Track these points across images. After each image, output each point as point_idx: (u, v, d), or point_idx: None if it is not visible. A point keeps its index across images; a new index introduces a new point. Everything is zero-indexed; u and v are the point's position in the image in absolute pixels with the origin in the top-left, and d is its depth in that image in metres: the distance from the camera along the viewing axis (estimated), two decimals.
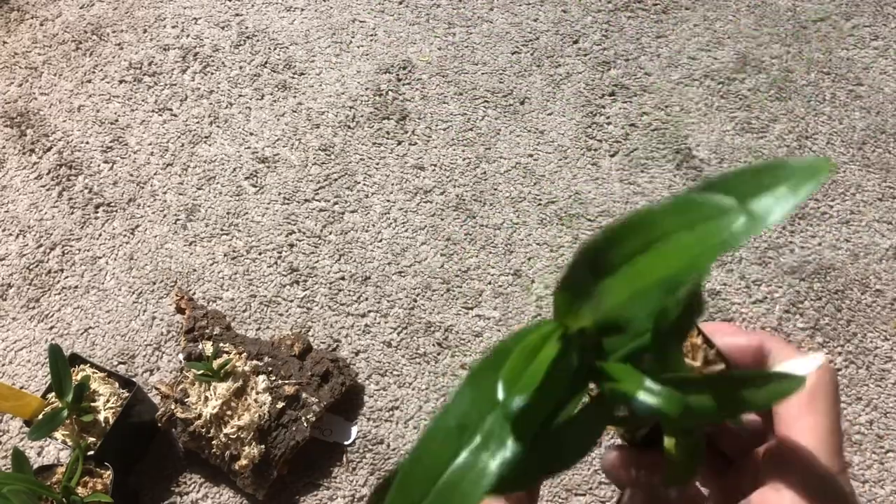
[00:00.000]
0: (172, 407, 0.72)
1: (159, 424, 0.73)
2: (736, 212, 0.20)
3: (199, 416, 0.72)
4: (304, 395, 0.74)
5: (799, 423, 0.24)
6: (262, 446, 0.71)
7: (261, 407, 0.72)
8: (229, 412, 0.71)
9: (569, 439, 0.24)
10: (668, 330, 0.24)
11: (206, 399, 0.72)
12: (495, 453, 0.22)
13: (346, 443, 0.77)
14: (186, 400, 0.72)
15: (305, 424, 0.72)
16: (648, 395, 0.22)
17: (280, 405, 0.72)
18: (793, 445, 0.24)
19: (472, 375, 0.23)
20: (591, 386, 0.25)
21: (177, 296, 0.80)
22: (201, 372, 0.72)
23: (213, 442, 0.72)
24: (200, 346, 0.76)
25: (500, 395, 0.22)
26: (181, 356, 0.77)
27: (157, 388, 0.75)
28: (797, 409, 0.25)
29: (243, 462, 0.71)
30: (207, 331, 0.77)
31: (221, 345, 0.76)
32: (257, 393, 0.72)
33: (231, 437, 0.71)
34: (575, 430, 0.24)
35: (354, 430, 0.78)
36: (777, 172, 0.20)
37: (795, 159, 0.20)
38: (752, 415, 0.26)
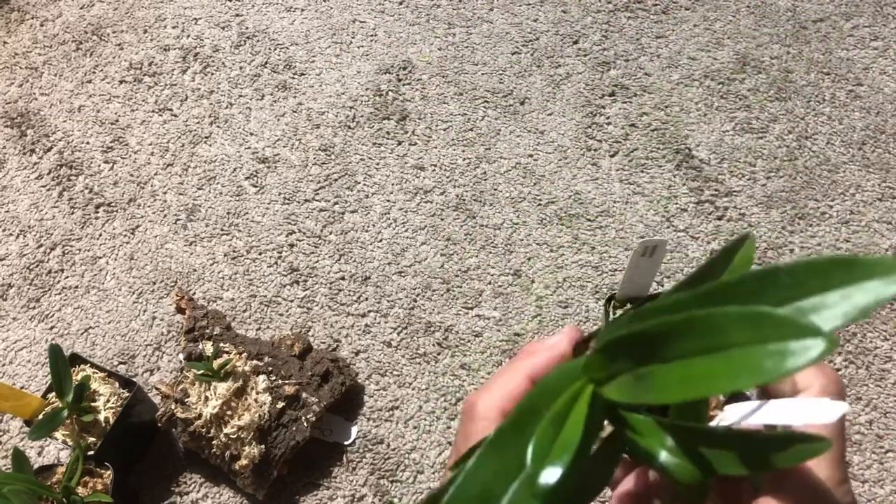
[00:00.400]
0: (172, 407, 0.72)
1: (159, 424, 0.73)
2: (815, 335, 0.18)
3: (200, 416, 0.72)
4: (304, 395, 0.74)
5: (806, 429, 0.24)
6: (262, 446, 0.71)
7: (261, 407, 0.72)
8: (229, 412, 0.71)
9: (585, 480, 0.23)
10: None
11: (207, 399, 0.72)
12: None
13: (346, 443, 0.77)
14: (186, 400, 0.72)
15: (305, 424, 0.72)
16: (670, 455, 0.21)
17: (280, 405, 0.72)
18: None
19: (495, 438, 0.22)
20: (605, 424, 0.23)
21: (177, 296, 0.80)
22: (201, 372, 0.72)
23: (214, 442, 0.72)
24: (200, 346, 0.76)
25: (529, 464, 0.20)
26: (181, 356, 0.77)
27: (157, 388, 0.75)
28: None
29: (243, 462, 0.71)
30: (207, 331, 0.77)
31: (221, 345, 0.76)
32: (257, 393, 0.72)
33: (231, 437, 0.71)
34: (590, 470, 0.23)
35: (354, 430, 0.78)
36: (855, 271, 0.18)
37: (867, 259, 0.18)
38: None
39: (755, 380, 0.18)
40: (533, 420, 0.21)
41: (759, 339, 0.18)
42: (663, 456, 0.21)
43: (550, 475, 0.20)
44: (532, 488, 0.20)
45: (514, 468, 0.21)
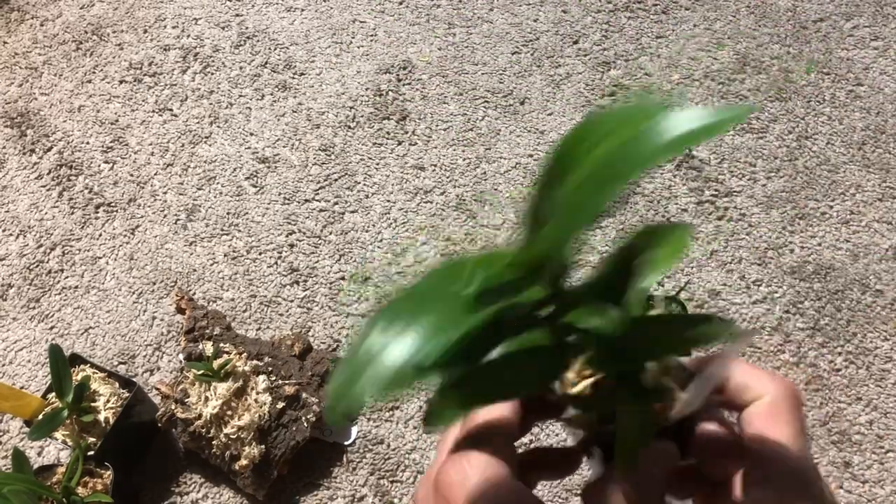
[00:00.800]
0: (172, 407, 0.72)
1: (159, 424, 0.73)
2: (659, 112, 0.22)
3: (200, 416, 0.72)
4: (304, 395, 0.74)
5: (766, 432, 0.26)
6: (263, 446, 0.71)
7: (261, 407, 0.72)
8: (229, 412, 0.71)
9: (519, 370, 0.26)
10: (624, 268, 0.26)
11: (207, 399, 0.72)
12: (435, 328, 0.23)
13: (346, 443, 0.77)
14: (186, 400, 0.72)
15: (305, 424, 0.72)
16: (607, 321, 0.24)
17: (280, 405, 0.72)
18: (765, 441, 0.26)
19: (434, 271, 0.24)
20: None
21: (177, 296, 0.80)
22: (201, 372, 0.72)
23: (214, 442, 0.72)
24: (200, 346, 0.76)
25: (466, 275, 0.23)
26: (181, 356, 0.77)
27: (157, 389, 0.75)
28: (764, 420, 0.26)
29: (243, 462, 0.71)
30: (207, 331, 0.77)
31: (221, 345, 0.76)
32: (257, 393, 0.72)
33: (231, 437, 0.71)
34: (527, 363, 0.26)
35: (354, 430, 0.78)
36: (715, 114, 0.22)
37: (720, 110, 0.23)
38: (730, 442, 0.28)
39: (622, 143, 0.22)
40: (470, 261, 0.24)
41: (623, 120, 0.23)
42: (598, 320, 0.23)
43: (478, 282, 0.23)
44: (457, 298, 0.23)
45: (442, 293, 0.24)
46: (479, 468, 0.26)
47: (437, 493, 0.27)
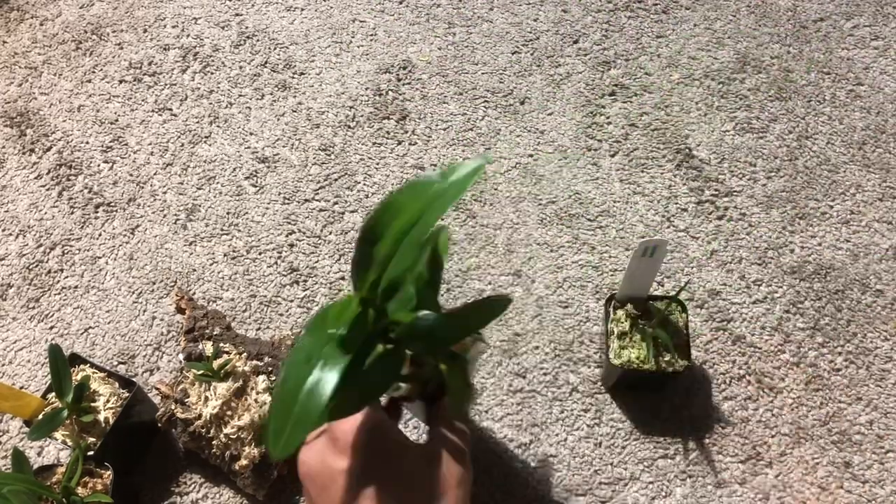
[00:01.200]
0: (172, 407, 0.72)
1: (159, 424, 0.73)
2: (440, 183, 0.36)
3: (199, 416, 0.71)
4: None
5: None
6: (262, 446, 0.71)
7: (261, 407, 0.72)
8: (229, 412, 0.71)
9: (375, 376, 0.38)
10: (426, 285, 0.39)
11: (206, 399, 0.72)
12: (333, 367, 0.35)
13: None
14: (186, 400, 0.72)
15: None
16: (422, 320, 0.37)
17: None
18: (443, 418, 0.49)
19: (307, 329, 0.37)
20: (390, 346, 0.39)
21: (177, 296, 0.80)
22: (201, 372, 0.71)
23: (214, 442, 0.72)
24: (200, 346, 0.76)
25: (330, 330, 0.35)
26: (181, 356, 0.77)
27: (157, 389, 0.75)
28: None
29: (243, 462, 0.71)
30: (207, 331, 0.77)
31: (221, 345, 0.76)
32: (257, 393, 0.72)
33: (231, 437, 0.71)
34: (379, 370, 0.38)
35: None
36: (460, 164, 0.37)
37: (465, 163, 0.37)
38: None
39: (419, 212, 0.36)
40: (328, 314, 0.37)
41: (414, 197, 0.36)
42: (418, 320, 0.37)
43: (342, 331, 0.35)
44: (337, 344, 0.35)
45: (323, 339, 0.36)
46: (361, 413, 0.44)
47: (331, 433, 0.44)
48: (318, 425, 0.35)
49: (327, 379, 0.34)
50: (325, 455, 0.42)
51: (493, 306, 0.39)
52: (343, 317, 0.36)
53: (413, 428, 0.78)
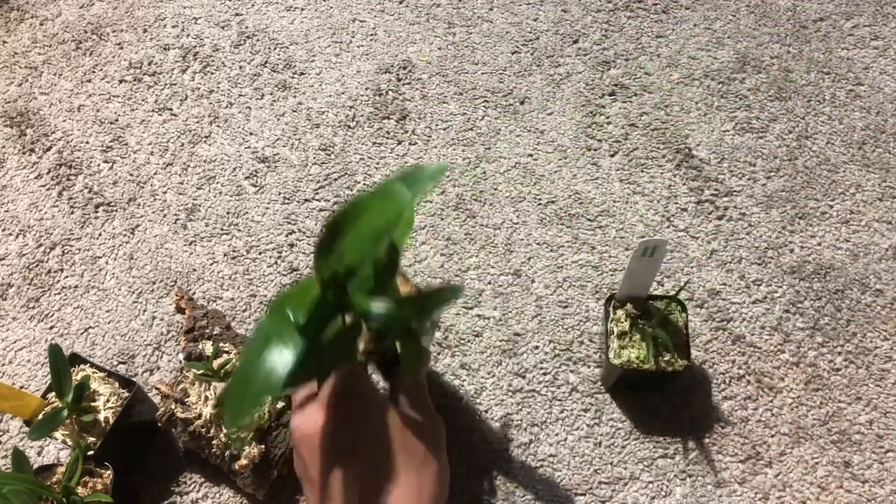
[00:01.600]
0: (172, 407, 0.72)
1: (159, 424, 0.73)
2: (405, 193, 0.38)
3: (199, 415, 0.72)
4: None
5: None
6: (262, 446, 0.71)
7: (260, 407, 0.72)
8: None
9: (332, 351, 0.41)
10: (383, 271, 0.42)
11: (206, 399, 0.72)
12: (290, 349, 0.38)
13: None
14: (186, 400, 0.72)
15: None
16: (378, 307, 0.39)
17: (280, 405, 0.72)
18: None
19: (269, 311, 0.40)
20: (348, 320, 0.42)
21: (177, 296, 0.80)
22: (201, 372, 0.72)
23: (213, 442, 0.72)
24: (200, 346, 0.76)
25: (291, 315, 0.39)
26: (181, 356, 0.77)
27: (157, 388, 0.75)
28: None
29: (243, 462, 0.71)
30: (207, 331, 0.77)
31: (221, 344, 0.76)
32: None
33: (231, 436, 0.71)
34: (336, 346, 0.41)
35: None
36: (418, 173, 0.40)
37: (427, 167, 0.40)
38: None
39: (386, 220, 0.38)
40: (289, 299, 0.40)
41: (381, 199, 0.38)
42: (374, 307, 0.39)
43: (301, 317, 0.39)
44: (296, 327, 0.39)
45: (284, 321, 0.39)
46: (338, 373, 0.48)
47: (319, 397, 0.48)
48: (273, 400, 0.41)
49: (284, 360, 0.38)
50: (316, 417, 0.46)
51: (444, 295, 0.42)
52: (303, 301, 0.39)
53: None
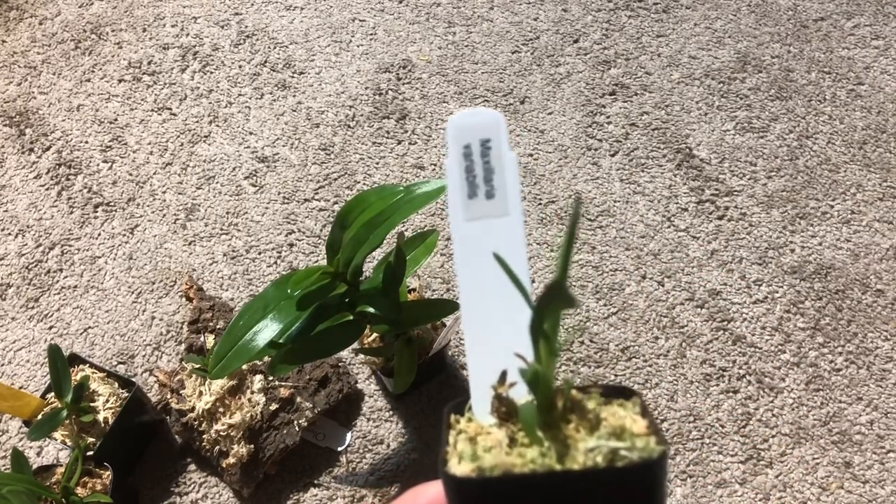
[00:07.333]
0: (168, 396, 0.72)
1: (158, 407, 0.73)
2: (404, 194, 0.43)
3: (193, 408, 0.72)
4: (298, 399, 0.73)
5: None
6: (252, 446, 0.71)
7: (253, 407, 0.72)
8: (222, 409, 0.71)
9: (332, 338, 0.46)
10: (391, 278, 0.46)
11: (201, 394, 0.72)
12: (282, 320, 0.42)
13: (338, 449, 0.76)
14: (182, 391, 0.72)
15: (297, 429, 0.72)
16: (378, 307, 0.44)
17: (273, 407, 0.72)
18: None
19: (274, 284, 0.45)
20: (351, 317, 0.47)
21: (187, 284, 0.80)
22: (198, 366, 0.71)
23: (204, 436, 0.72)
24: (202, 339, 0.76)
25: (290, 290, 0.43)
26: (183, 346, 0.77)
27: (155, 376, 0.75)
28: None
29: (231, 460, 0.71)
30: (211, 323, 0.77)
31: None
32: (252, 392, 0.72)
33: (221, 433, 0.71)
34: (339, 333, 0.46)
35: (349, 436, 0.77)
36: (425, 181, 0.45)
37: (427, 182, 0.46)
38: None
39: (380, 212, 0.42)
40: (295, 275, 0.44)
41: (380, 198, 0.44)
42: (382, 306, 0.43)
43: (298, 292, 0.44)
44: (292, 300, 0.44)
45: (284, 295, 0.44)
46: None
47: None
48: (254, 360, 0.43)
49: (272, 328, 0.42)
50: None
51: (443, 307, 0.45)
52: (304, 282, 0.43)
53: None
